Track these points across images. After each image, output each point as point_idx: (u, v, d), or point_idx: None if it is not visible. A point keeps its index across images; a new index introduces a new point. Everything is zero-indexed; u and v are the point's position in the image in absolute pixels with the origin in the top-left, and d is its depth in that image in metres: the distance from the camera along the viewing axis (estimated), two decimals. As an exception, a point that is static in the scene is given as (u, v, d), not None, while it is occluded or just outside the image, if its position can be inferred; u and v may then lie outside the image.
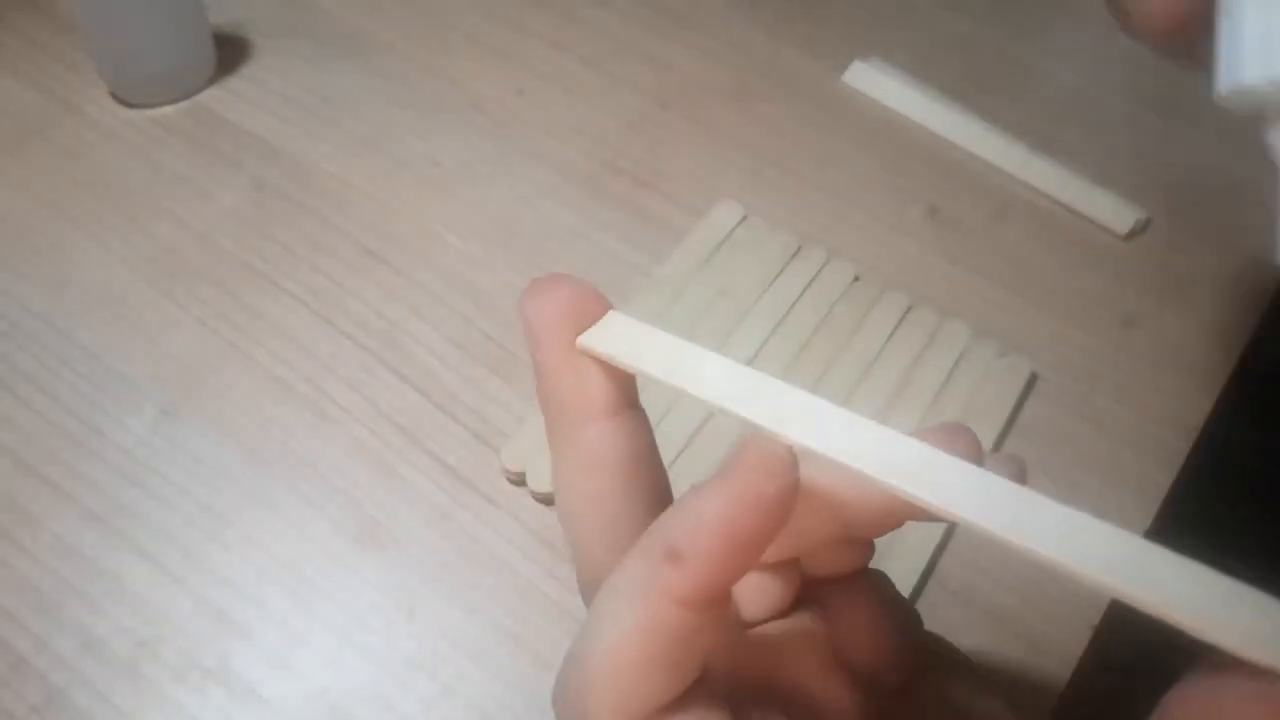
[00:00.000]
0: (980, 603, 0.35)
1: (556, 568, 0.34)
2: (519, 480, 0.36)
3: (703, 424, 0.37)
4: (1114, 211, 0.45)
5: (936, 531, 0.35)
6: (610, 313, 0.20)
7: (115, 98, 0.46)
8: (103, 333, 0.39)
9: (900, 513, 0.19)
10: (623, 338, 0.19)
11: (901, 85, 0.49)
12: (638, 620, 0.17)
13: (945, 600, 0.35)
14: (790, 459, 0.17)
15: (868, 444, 0.17)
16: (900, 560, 0.34)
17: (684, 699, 0.18)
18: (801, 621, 0.21)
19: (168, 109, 0.46)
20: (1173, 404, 0.40)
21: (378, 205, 0.43)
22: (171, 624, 0.33)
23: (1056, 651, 0.34)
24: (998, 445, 0.38)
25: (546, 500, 0.35)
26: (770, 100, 0.49)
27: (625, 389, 0.20)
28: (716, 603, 0.17)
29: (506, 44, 0.50)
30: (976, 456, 0.18)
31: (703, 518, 0.16)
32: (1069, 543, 0.15)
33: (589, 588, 0.21)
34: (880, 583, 0.23)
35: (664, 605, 0.16)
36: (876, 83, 0.50)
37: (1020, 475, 0.19)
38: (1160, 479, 0.38)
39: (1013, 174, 0.47)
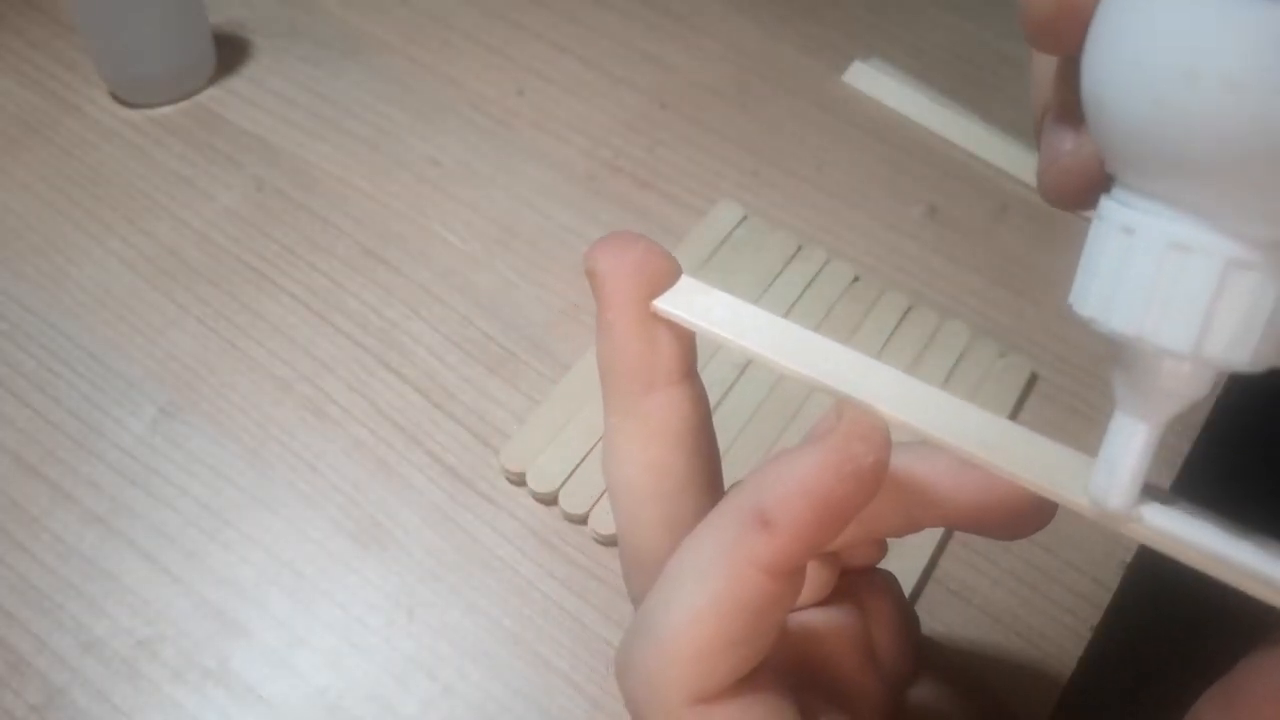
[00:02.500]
0: (980, 603, 0.35)
1: (556, 568, 0.34)
2: (519, 480, 0.36)
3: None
4: (1114, 211, 0.45)
5: (936, 531, 0.35)
6: (684, 277, 0.19)
7: (115, 98, 0.46)
8: (103, 333, 0.39)
9: (998, 505, 0.18)
10: (698, 304, 0.18)
11: (901, 85, 0.49)
12: (721, 589, 0.16)
13: (945, 600, 0.35)
14: (886, 431, 0.16)
15: (969, 425, 0.16)
16: (900, 560, 0.34)
17: (752, 678, 0.17)
18: (840, 612, 0.21)
19: (168, 109, 0.46)
20: (1173, 404, 0.40)
21: (377, 205, 0.43)
22: (171, 624, 0.33)
23: (1056, 651, 0.34)
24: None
25: (546, 500, 0.35)
26: (770, 100, 0.49)
27: (691, 355, 0.19)
28: (798, 574, 0.16)
29: (506, 44, 0.50)
30: None
31: (798, 483, 0.15)
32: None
33: (638, 567, 0.20)
34: (895, 582, 0.23)
35: (750, 573, 0.16)
36: (876, 83, 0.50)
37: None
38: (1160, 479, 0.38)
39: (1013, 174, 0.47)
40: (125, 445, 0.36)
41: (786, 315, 0.40)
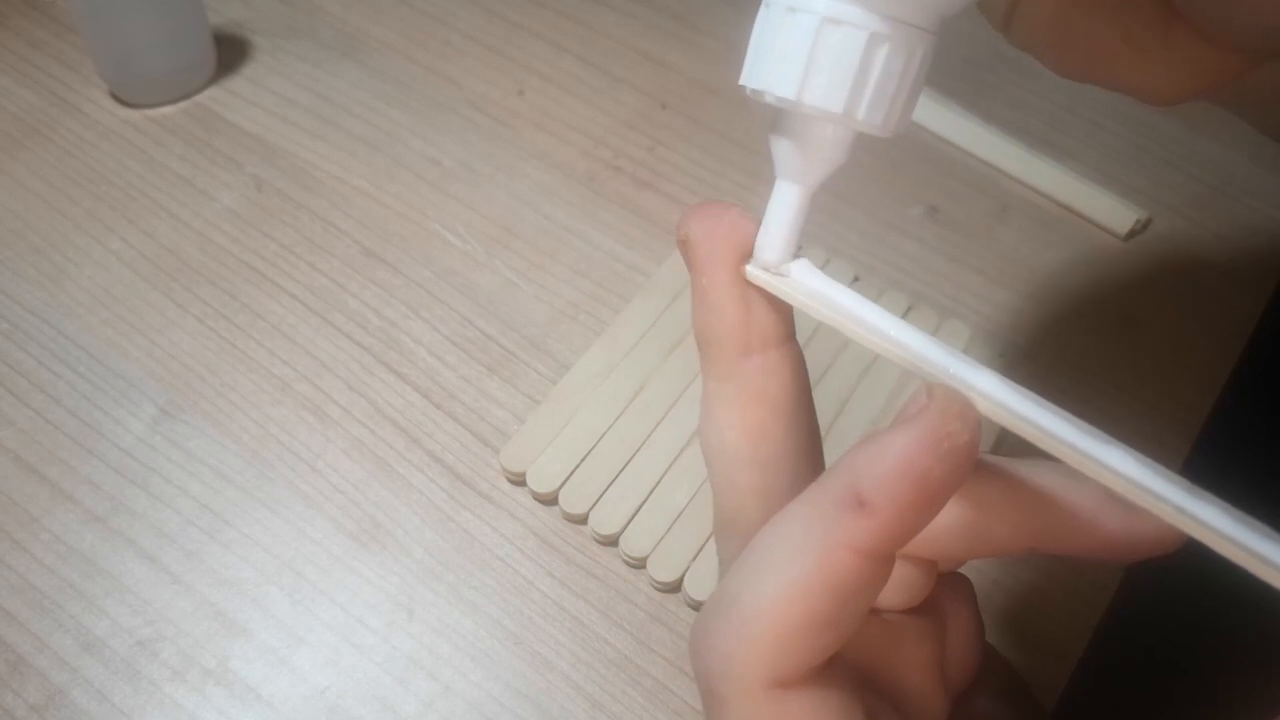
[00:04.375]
0: (980, 602, 0.35)
1: (556, 568, 0.34)
2: (519, 480, 0.36)
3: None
4: (1114, 211, 0.45)
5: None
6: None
7: (115, 98, 0.46)
8: (103, 333, 0.39)
9: (1111, 543, 0.17)
10: (791, 272, 0.19)
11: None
12: (810, 569, 0.16)
13: (945, 600, 0.35)
14: (976, 412, 0.16)
15: (1061, 428, 0.16)
16: (900, 560, 0.34)
17: (828, 669, 0.17)
18: (922, 621, 0.20)
19: (168, 109, 0.46)
20: (1173, 404, 0.40)
21: (377, 205, 0.43)
22: (171, 624, 0.33)
23: (1056, 651, 0.34)
24: (998, 445, 0.38)
25: (546, 500, 0.35)
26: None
27: (790, 318, 0.19)
28: (890, 559, 0.16)
29: (506, 44, 0.50)
30: None
31: (894, 463, 0.15)
32: None
33: (730, 532, 0.20)
34: (970, 588, 0.22)
35: (843, 556, 0.15)
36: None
37: None
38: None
39: (1013, 174, 0.47)
40: (125, 445, 0.36)
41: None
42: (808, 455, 0.19)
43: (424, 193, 0.44)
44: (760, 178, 0.46)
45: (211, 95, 0.47)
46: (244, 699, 0.32)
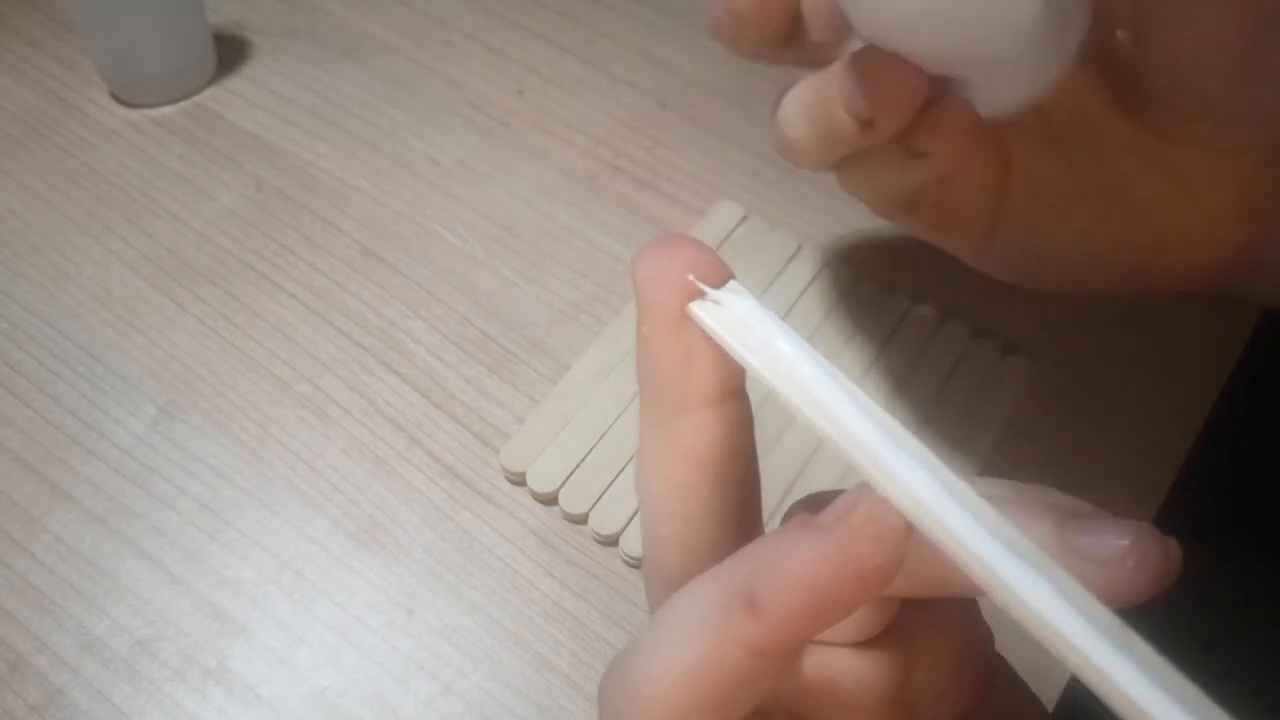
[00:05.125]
0: (980, 602, 0.35)
1: (556, 568, 0.34)
2: (519, 480, 0.36)
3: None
4: (1114, 211, 0.45)
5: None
6: (732, 283, 0.18)
7: (115, 98, 0.46)
8: (103, 333, 0.39)
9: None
10: (739, 319, 0.17)
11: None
12: (701, 655, 0.16)
13: (945, 600, 0.35)
14: (902, 531, 0.15)
15: (987, 536, 0.14)
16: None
17: None
18: (874, 657, 0.19)
19: (168, 109, 0.46)
20: (1173, 404, 0.40)
21: (377, 205, 0.43)
22: (171, 624, 0.33)
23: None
24: (998, 445, 0.38)
25: (546, 500, 0.35)
26: (770, 100, 0.49)
27: (734, 375, 0.18)
28: (790, 655, 0.16)
29: (506, 44, 0.50)
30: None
31: (793, 573, 0.15)
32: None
33: (655, 581, 0.19)
34: (970, 610, 0.21)
35: (732, 650, 0.15)
36: (876, 83, 0.49)
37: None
38: (1160, 479, 0.38)
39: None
40: (125, 445, 0.36)
41: (786, 315, 0.40)
42: (736, 516, 0.19)
43: (424, 193, 0.44)
44: (760, 178, 0.46)
45: (211, 95, 0.47)
46: (244, 699, 0.32)
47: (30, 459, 0.36)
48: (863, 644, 0.19)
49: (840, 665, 0.19)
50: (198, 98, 0.47)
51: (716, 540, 0.19)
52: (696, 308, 0.17)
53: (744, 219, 0.43)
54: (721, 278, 0.18)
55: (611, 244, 0.43)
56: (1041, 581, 0.14)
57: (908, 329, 0.40)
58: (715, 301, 0.17)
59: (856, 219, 0.45)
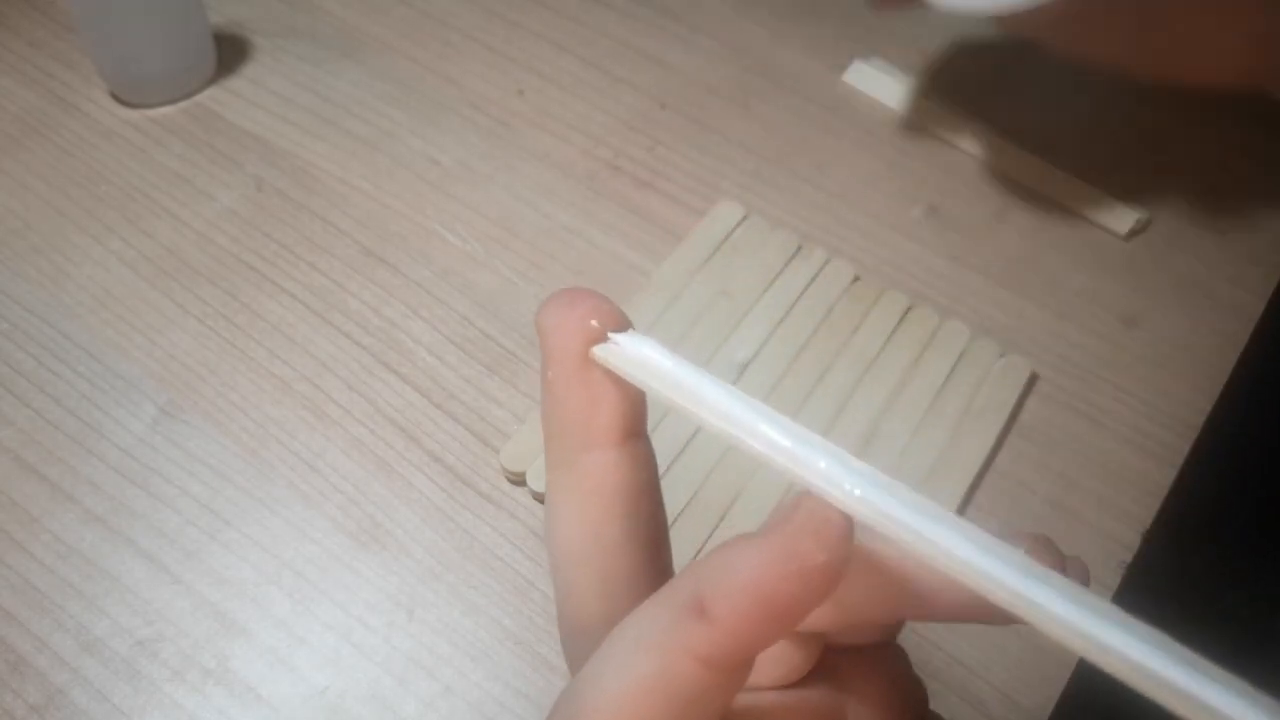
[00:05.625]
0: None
1: (556, 567, 0.34)
2: (519, 480, 0.36)
3: (692, 438, 0.37)
4: (1114, 211, 0.45)
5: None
6: (631, 330, 0.18)
7: (115, 98, 0.46)
8: (103, 333, 0.39)
9: (977, 611, 0.16)
10: (641, 357, 0.18)
11: (901, 85, 0.49)
12: (652, 672, 0.15)
13: (945, 600, 0.35)
14: (845, 528, 0.15)
15: (927, 522, 0.15)
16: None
17: None
18: (807, 698, 0.19)
19: (168, 109, 0.46)
20: (1173, 404, 0.40)
21: (377, 205, 0.43)
22: (171, 624, 0.33)
23: (1057, 651, 0.34)
24: (998, 445, 0.38)
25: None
26: (770, 100, 0.49)
27: (636, 416, 0.19)
28: (741, 668, 0.16)
29: (506, 44, 0.50)
30: (1051, 561, 0.17)
31: (740, 576, 0.15)
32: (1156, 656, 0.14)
33: (572, 633, 0.19)
34: (899, 659, 0.21)
35: (684, 662, 0.15)
36: (876, 83, 0.49)
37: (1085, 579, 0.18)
38: (1160, 479, 0.38)
39: (1013, 174, 0.47)
40: (125, 445, 0.36)
41: (786, 316, 0.40)
42: (649, 549, 0.19)
43: (424, 193, 0.44)
44: (760, 178, 0.46)
45: (211, 95, 0.47)
46: (244, 699, 0.32)
47: (30, 459, 0.36)
48: (792, 685, 0.19)
49: (771, 702, 0.19)
50: (198, 98, 0.47)
51: (632, 581, 0.19)
52: (598, 350, 0.18)
53: (744, 219, 0.43)
54: (620, 324, 0.18)
55: (611, 244, 0.43)
56: (961, 536, 0.15)
57: (908, 329, 0.40)
58: (615, 343, 0.18)
59: (856, 219, 0.45)
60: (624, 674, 0.16)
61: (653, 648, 0.15)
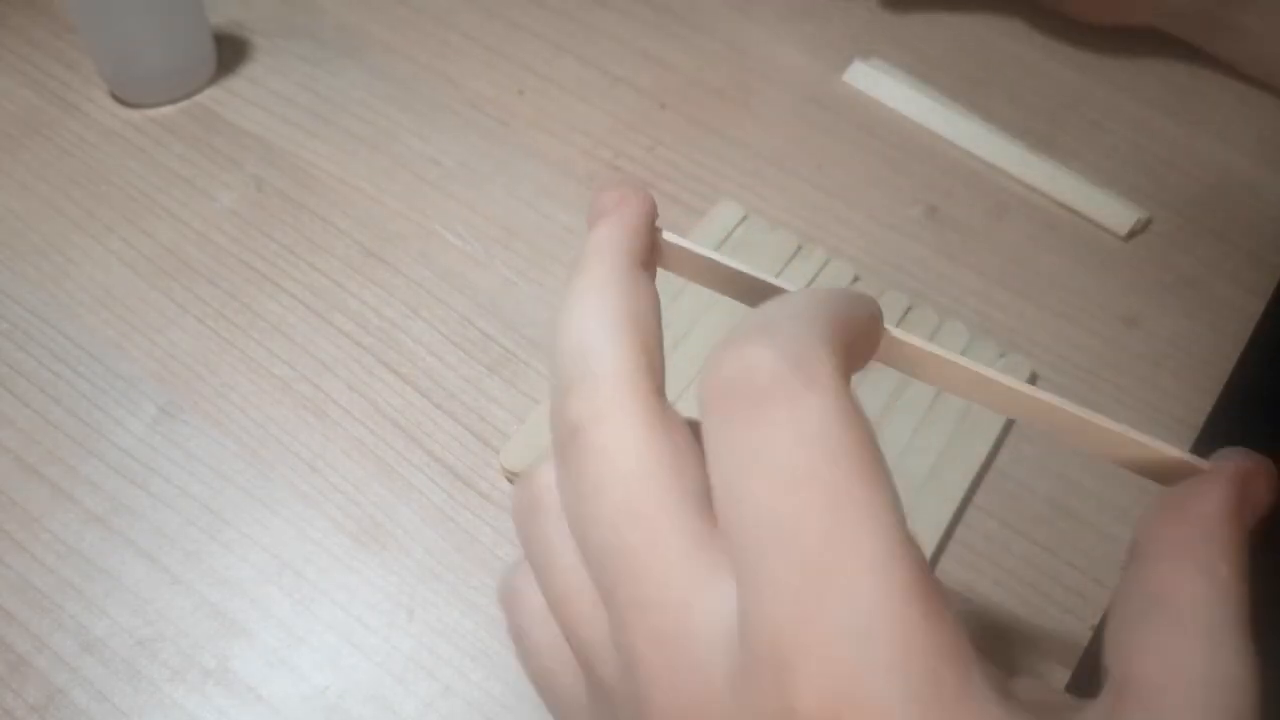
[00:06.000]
0: (980, 602, 0.35)
1: (556, 567, 0.34)
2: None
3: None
4: (1114, 211, 0.45)
5: (937, 532, 0.35)
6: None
7: (115, 98, 0.46)
8: (103, 333, 0.39)
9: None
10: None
11: (901, 85, 0.49)
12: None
13: (945, 600, 0.35)
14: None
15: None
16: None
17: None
18: None
19: (168, 109, 0.46)
20: (1173, 404, 0.40)
21: (377, 205, 0.43)
22: (171, 624, 0.33)
23: (1056, 651, 0.34)
24: (998, 445, 0.38)
25: (546, 500, 0.35)
26: (770, 100, 0.49)
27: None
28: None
29: (506, 44, 0.50)
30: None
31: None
32: None
33: None
34: None
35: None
36: (876, 82, 0.50)
37: None
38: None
39: (1013, 174, 0.47)
40: (125, 445, 0.36)
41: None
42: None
43: (424, 193, 0.44)
44: (760, 178, 0.46)
45: (211, 95, 0.47)
46: (244, 699, 0.32)
47: (30, 459, 0.36)
48: None
49: None
50: (198, 98, 0.47)
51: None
52: (668, 235, 0.24)
53: (744, 219, 0.43)
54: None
55: (611, 244, 0.43)
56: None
57: (908, 329, 0.40)
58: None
59: (856, 219, 0.45)
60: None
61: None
